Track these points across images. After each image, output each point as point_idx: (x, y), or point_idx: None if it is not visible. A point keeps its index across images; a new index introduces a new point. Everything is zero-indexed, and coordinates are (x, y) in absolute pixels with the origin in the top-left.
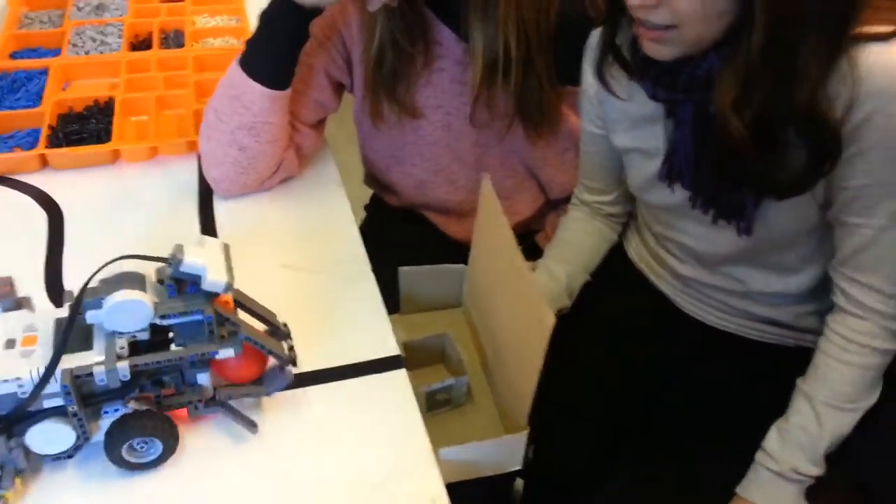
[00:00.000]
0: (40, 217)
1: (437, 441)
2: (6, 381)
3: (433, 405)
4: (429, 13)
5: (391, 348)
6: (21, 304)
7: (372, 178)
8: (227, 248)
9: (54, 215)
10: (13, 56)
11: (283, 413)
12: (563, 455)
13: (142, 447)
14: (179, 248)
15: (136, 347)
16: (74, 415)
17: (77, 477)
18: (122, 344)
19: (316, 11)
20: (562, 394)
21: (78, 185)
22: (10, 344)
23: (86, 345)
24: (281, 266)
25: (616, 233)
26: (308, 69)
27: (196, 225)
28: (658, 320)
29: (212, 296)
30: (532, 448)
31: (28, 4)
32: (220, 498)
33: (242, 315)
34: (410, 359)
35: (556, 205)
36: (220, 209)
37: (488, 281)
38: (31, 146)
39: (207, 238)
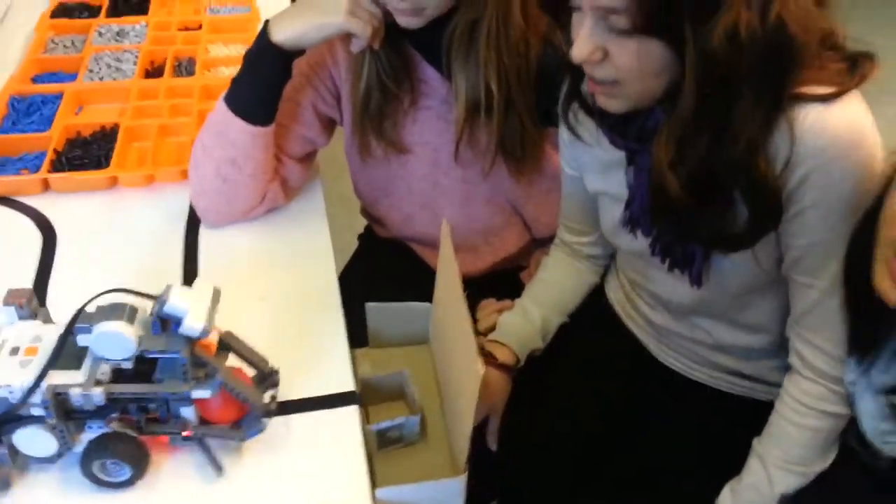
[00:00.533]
0: (36, 238)
1: (386, 478)
2: (0, 386)
3: (385, 442)
4: (414, 54)
5: (347, 384)
6: (37, 315)
7: (363, 209)
8: (217, 292)
9: (49, 237)
10: (35, 79)
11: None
12: (537, 493)
13: (112, 468)
14: (167, 290)
15: (120, 374)
16: (54, 426)
17: (59, 480)
18: (104, 370)
19: (298, 52)
20: (536, 432)
21: (76, 209)
22: (15, 351)
23: (77, 364)
24: (256, 298)
25: (597, 275)
26: (295, 105)
27: (180, 254)
28: (634, 365)
29: (191, 338)
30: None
31: (55, 29)
32: None
33: (233, 357)
34: (372, 394)
35: (542, 243)
36: (205, 238)
37: (444, 322)
38: (39, 169)
39: (201, 281)
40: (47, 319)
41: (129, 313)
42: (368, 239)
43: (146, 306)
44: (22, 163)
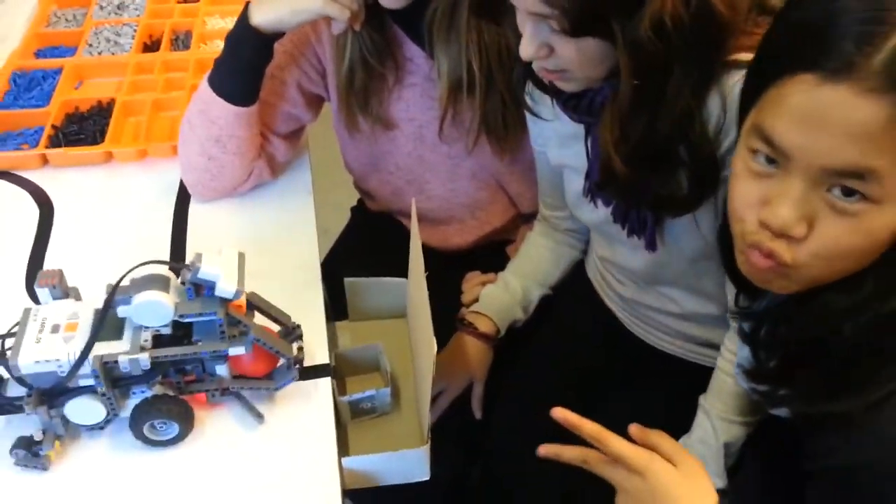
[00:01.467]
0: (34, 212)
1: (358, 447)
2: (48, 361)
3: (359, 412)
4: (398, 31)
5: (322, 356)
6: (69, 293)
7: (355, 182)
8: (242, 257)
9: (46, 211)
10: (37, 53)
11: (224, 413)
12: (518, 451)
13: (161, 427)
14: (198, 257)
15: (159, 340)
16: (103, 394)
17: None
18: (146, 337)
19: (278, 35)
20: (519, 400)
21: (73, 183)
22: (55, 329)
23: (118, 335)
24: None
25: (577, 248)
26: (280, 83)
27: (170, 226)
28: (608, 338)
29: (225, 300)
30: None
31: (57, 2)
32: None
33: (259, 316)
34: (349, 365)
35: (527, 218)
36: (194, 211)
37: (413, 299)
38: (38, 143)
39: (226, 248)
40: (78, 297)
41: (163, 282)
42: (360, 212)
43: (174, 276)
44: (22, 137)
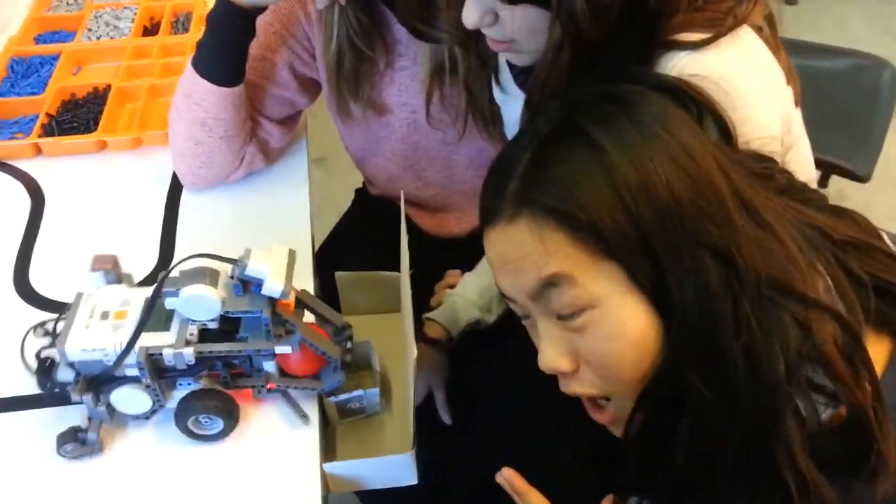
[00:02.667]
0: (26, 202)
1: (344, 450)
2: (95, 349)
3: (347, 413)
4: (386, 12)
5: None
6: (122, 279)
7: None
8: (293, 255)
9: (38, 201)
10: (37, 38)
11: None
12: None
13: (206, 421)
14: (247, 253)
15: (206, 334)
16: (148, 385)
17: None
18: (192, 330)
19: (258, 10)
20: (497, 406)
21: (66, 173)
22: (105, 315)
23: (165, 325)
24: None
25: None
26: (270, 65)
27: (161, 216)
28: None
29: (272, 298)
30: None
31: None
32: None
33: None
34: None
35: None
36: (186, 202)
37: (403, 294)
38: (32, 132)
39: (277, 245)
40: (131, 283)
41: (212, 276)
42: (362, 195)
43: (226, 269)
44: (17, 126)
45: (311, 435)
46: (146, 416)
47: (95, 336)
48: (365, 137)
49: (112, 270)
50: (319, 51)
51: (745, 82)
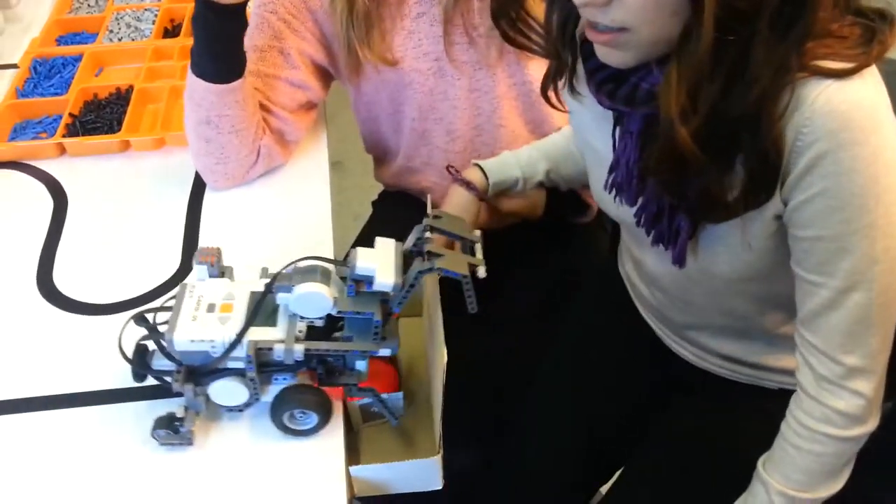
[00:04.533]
0: (48, 203)
1: (369, 454)
2: (203, 340)
3: (370, 416)
4: None
5: None
6: (224, 272)
7: (376, 168)
8: (399, 246)
9: (60, 202)
10: (59, 40)
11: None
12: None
13: (301, 416)
14: (353, 253)
15: (312, 331)
16: (251, 379)
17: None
18: (301, 327)
19: (237, 7)
20: (543, 406)
21: (89, 174)
22: (211, 308)
23: (271, 321)
24: (246, 267)
25: None
26: (278, 53)
27: (184, 216)
28: (637, 347)
29: (385, 299)
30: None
31: None
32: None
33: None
34: None
35: None
36: (209, 201)
37: (428, 299)
38: (55, 132)
39: (382, 239)
40: (231, 277)
41: (324, 274)
42: (379, 205)
43: (335, 269)
44: (41, 126)
45: (336, 438)
46: (240, 409)
47: (204, 328)
48: (392, 101)
49: (216, 264)
50: (330, 25)
51: (889, 118)
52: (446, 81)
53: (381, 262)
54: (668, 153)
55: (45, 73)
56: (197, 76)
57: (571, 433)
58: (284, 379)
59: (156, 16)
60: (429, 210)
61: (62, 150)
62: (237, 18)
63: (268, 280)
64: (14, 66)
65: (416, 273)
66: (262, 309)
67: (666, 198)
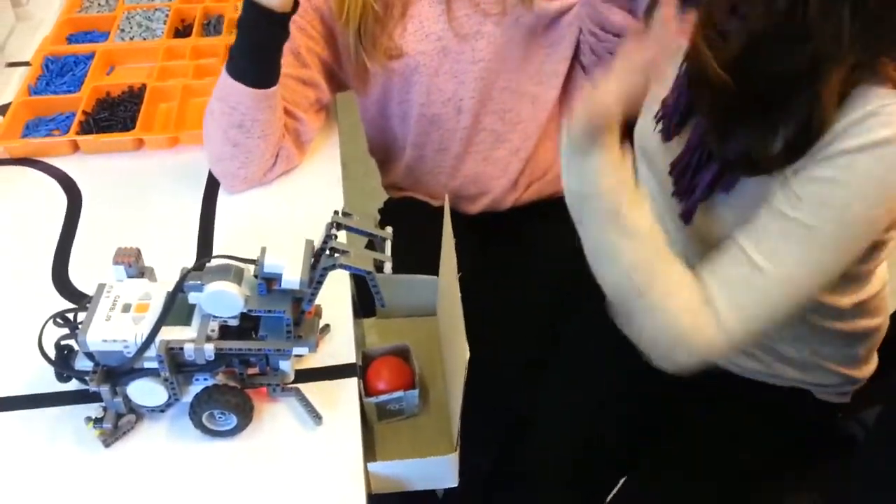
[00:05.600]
0: (63, 200)
1: (385, 450)
2: (116, 340)
3: (385, 414)
4: None
5: (350, 356)
6: (144, 273)
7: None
8: (309, 244)
9: (74, 199)
10: (70, 38)
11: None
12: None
13: (220, 417)
14: (263, 251)
15: (226, 331)
16: (166, 379)
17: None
18: (213, 326)
19: (289, 14)
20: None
21: (103, 171)
22: (127, 308)
23: (186, 320)
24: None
25: None
26: (289, 52)
27: (198, 215)
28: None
29: (297, 298)
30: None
31: None
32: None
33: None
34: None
35: None
36: (223, 200)
37: (444, 298)
38: (69, 129)
39: (292, 238)
40: (152, 278)
41: (236, 274)
42: (386, 212)
43: (250, 268)
44: (54, 123)
45: (353, 435)
46: (161, 410)
47: (116, 328)
48: (401, 91)
49: (134, 264)
50: (338, 25)
51: None
52: (450, 59)
53: (289, 259)
54: (717, 94)
55: (57, 71)
56: (235, 79)
57: (581, 431)
58: (205, 379)
59: (167, 15)
60: (446, 210)
61: (76, 148)
62: (285, 27)
63: (177, 282)
64: (26, 63)
65: (322, 270)
66: (178, 308)
67: (707, 142)
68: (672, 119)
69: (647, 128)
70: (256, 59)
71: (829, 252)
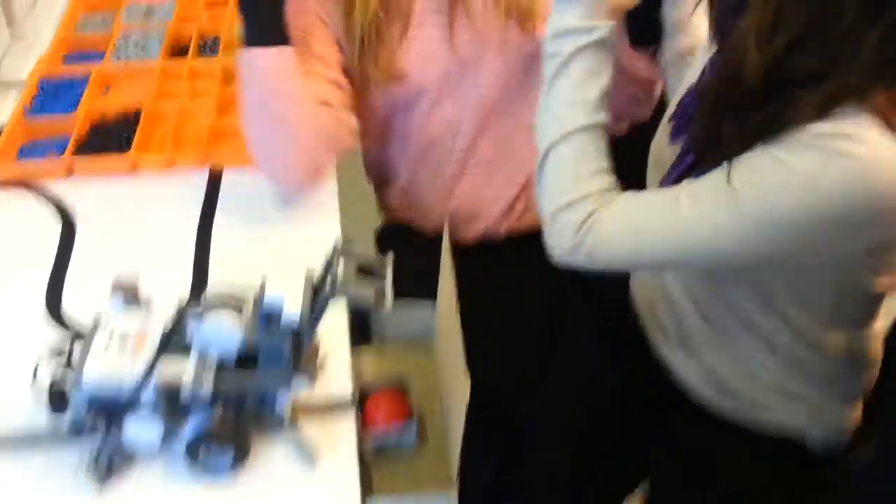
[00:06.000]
0: (56, 224)
1: (381, 485)
2: (112, 376)
3: (383, 449)
4: None
5: (346, 389)
6: (140, 303)
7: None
8: (309, 279)
9: (68, 225)
10: (66, 58)
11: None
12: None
13: (217, 453)
14: (262, 286)
15: (224, 366)
16: (162, 415)
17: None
18: (211, 362)
19: None
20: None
21: (97, 194)
22: (124, 341)
23: (185, 352)
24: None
25: None
26: (317, 39)
27: (193, 240)
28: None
29: (297, 333)
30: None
31: (85, 7)
32: None
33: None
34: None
35: None
36: (219, 224)
37: (441, 327)
38: (65, 151)
39: (292, 269)
40: (149, 308)
41: (236, 307)
42: (383, 237)
43: (248, 298)
44: (49, 146)
45: (350, 469)
46: (156, 448)
47: (113, 363)
48: (407, 113)
49: (131, 296)
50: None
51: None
52: (452, 83)
53: (289, 292)
54: (730, 82)
55: (52, 92)
56: (254, 46)
57: (579, 440)
58: (202, 417)
59: (163, 36)
60: (445, 235)
61: (71, 170)
62: None
63: (175, 316)
64: (21, 84)
65: (322, 302)
66: (177, 341)
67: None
68: (682, 118)
69: (662, 142)
70: (265, 13)
71: (734, 229)
